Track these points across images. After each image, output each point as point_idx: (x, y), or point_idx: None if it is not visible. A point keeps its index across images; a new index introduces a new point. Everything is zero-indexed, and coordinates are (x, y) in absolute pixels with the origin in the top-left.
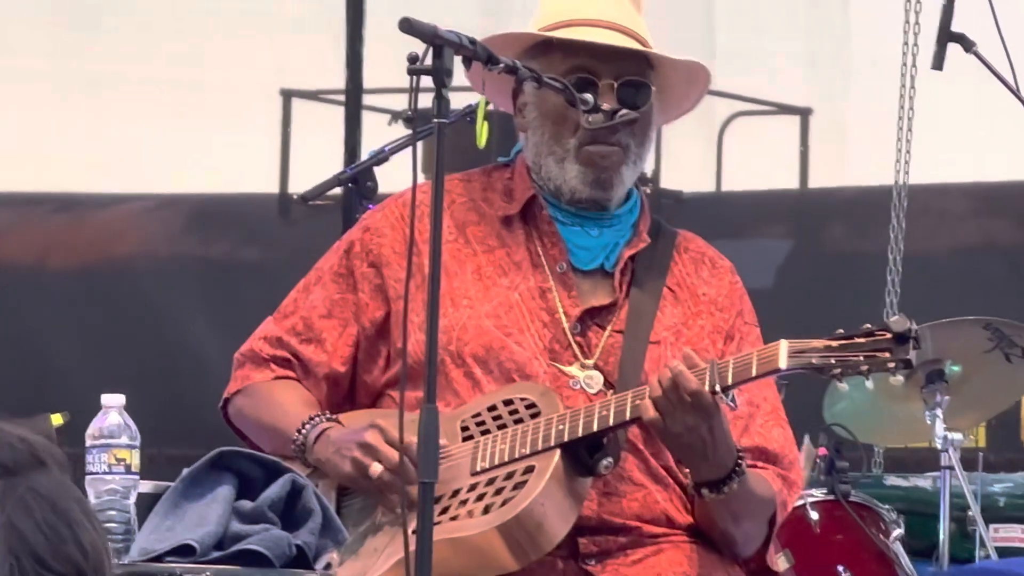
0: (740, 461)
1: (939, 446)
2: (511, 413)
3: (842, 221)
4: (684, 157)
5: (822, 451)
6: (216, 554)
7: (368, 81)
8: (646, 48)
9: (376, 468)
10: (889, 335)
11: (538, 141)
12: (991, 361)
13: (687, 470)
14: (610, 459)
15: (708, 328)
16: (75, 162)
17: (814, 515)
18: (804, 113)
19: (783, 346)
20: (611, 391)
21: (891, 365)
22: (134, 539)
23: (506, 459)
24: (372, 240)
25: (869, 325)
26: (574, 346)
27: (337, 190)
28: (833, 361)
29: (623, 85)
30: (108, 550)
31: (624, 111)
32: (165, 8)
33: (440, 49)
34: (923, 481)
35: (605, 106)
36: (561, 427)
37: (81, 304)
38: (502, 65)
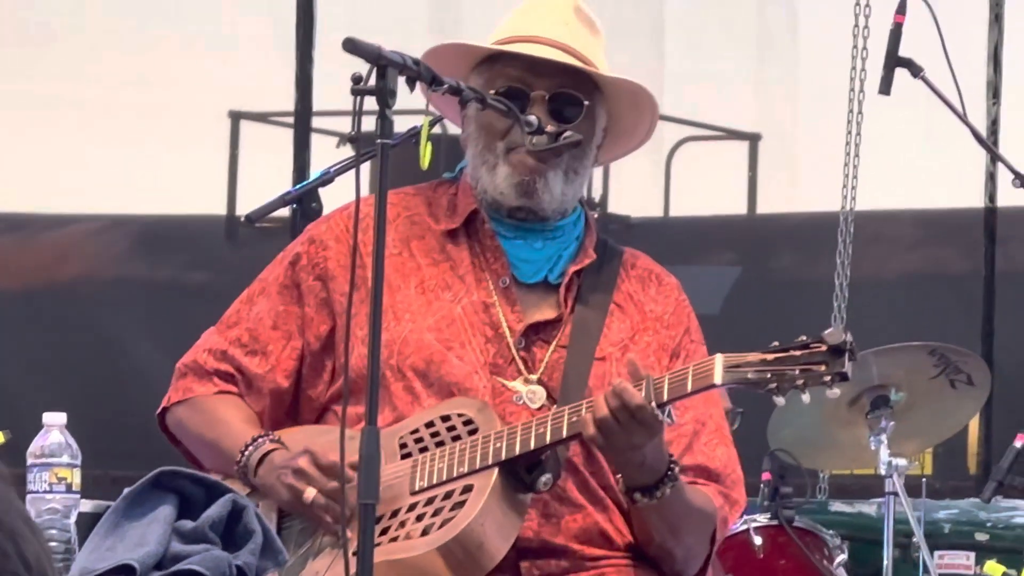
0: (672, 466)
1: (883, 472)
2: (449, 429)
3: (791, 247)
4: (632, 182)
5: (766, 476)
6: (156, 574)
7: (318, 103)
8: (585, 65)
9: (310, 493)
10: (824, 347)
11: (474, 153)
12: (937, 387)
13: (619, 476)
14: (548, 476)
15: (654, 345)
16: (21, 182)
17: (758, 540)
18: (753, 139)
19: (718, 361)
20: (554, 406)
21: (827, 379)
22: (74, 559)
23: (444, 478)
24: (318, 253)
25: (804, 337)
26: (518, 361)
27: (285, 213)
28: (769, 375)
29: (553, 97)
30: (52, 564)
31: (568, 133)
32: (114, 28)
33: (384, 69)
34: (868, 507)
35: (549, 128)
36: (498, 445)
37: (27, 325)
38: (445, 86)
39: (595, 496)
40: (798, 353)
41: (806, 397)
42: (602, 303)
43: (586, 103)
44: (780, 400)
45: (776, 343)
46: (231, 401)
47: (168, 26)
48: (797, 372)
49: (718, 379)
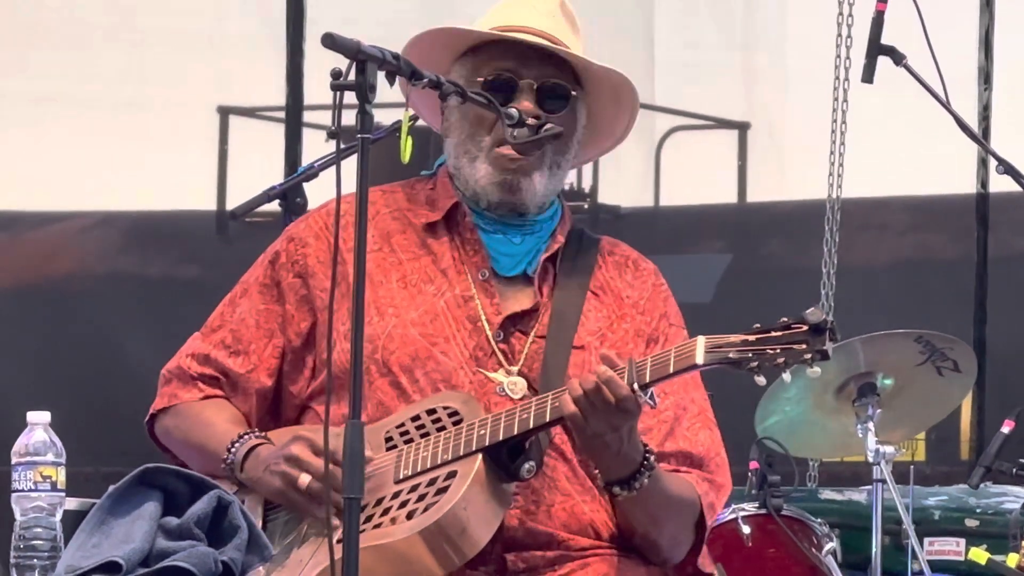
0: (647, 456)
1: (871, 459)
2: (434, 421)
3: (780, 235)
4: (622, 172)
5: (753, 464)
6: (142, 571)
7: (308, 97)
8: (569, 54)
9: (304, 479)
10: (805, 327)
11: (456, 143)
12: (923, 374)
13: (596, 471)
14: (532, 463)
15: (631, 332)
16: (11, 180)
17: (746, 529)
18: (742, 127)
19: (700, 342)
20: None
21: (807, 356)
22: (60, 556)
23: (428, 465)
24: (297, 250)
25: (786, 318)
26: (498, 353)
27: (275, 208)
28: (750, 355)
29: (542, 87)
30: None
31: (549, 125)
32: (103, 25)
33: (363, 64)
34: (858, 495)
35: (530, 120)
36: (482, 431)
37: (18, 323)
38: (425, 80)
39: (583, 485)
40: (779, 333)
41: (787, 376)
42: (578, 292)
43: (573, 94)
44: (761, 379)
45: (758, 324)
46: (216, 403)
47: (157, 22)
48: (778, 351)
49: (700, 359)
